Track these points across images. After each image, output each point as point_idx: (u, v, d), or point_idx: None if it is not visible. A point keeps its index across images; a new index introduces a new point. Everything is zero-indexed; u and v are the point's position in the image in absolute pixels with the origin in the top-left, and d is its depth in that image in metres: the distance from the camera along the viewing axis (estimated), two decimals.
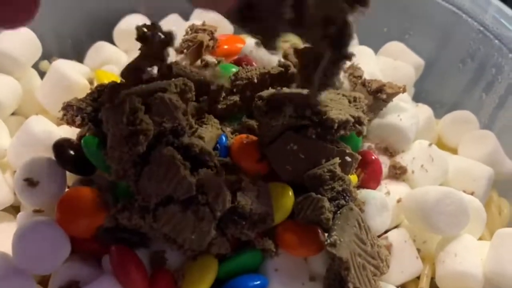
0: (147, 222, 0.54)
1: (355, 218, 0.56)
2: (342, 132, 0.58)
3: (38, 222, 0.57)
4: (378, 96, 0.65)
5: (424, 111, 0.77)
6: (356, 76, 0.65)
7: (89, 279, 0.56)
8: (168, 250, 0.57)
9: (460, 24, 0.82)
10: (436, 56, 0.85)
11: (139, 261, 0.55)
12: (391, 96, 0.67)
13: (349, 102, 0.61)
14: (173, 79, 0.58)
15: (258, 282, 0.56)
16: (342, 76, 0.64)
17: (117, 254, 0.55)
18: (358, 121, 0.59)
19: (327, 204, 0.56)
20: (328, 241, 0.54)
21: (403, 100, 0.72)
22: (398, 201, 0.66)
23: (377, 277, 0.57)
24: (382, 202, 0.62)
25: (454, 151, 0.77)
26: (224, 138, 0.61)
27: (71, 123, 0.63)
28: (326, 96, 0.59)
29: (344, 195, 0.57)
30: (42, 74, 0.76)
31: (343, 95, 0.62)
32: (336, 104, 0.60)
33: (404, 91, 0.69)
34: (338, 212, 0.56)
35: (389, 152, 0.69)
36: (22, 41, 0.72)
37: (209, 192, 0.54)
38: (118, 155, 0.54)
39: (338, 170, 0.58)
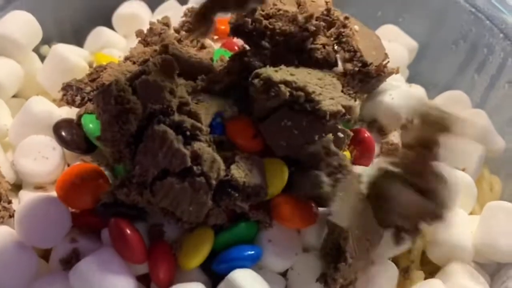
0: (145, 197, 0.56)
1: (354, 190, 0.58)
2: (332, 121, 0.59)
3: (40, 198, 0.59)
4: (367, 69, 0.66)
5: (417, 91, 0.78)
6: (348, 50, 0.66)
7: (89, 252, 0.57)
8: (166, 223, 0.59)
9: (452, 6, 0.84)
10: (429, 38, 0.87)
11: (137, 232, 0.57)
12: (384, 77, 0.69)
13: (343, 86, 0.63)
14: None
15: (253, 252, 0.58)
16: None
17: (116, 226, 0.56)
18: (349, 110, 0.60)
19: (325, 178, 0.57)
20: (329, 211, 0.56)
21: (396, 81, 0.73)
22: None
23: (371, 249, 0.59)
24: None
25: None
26: (219, 116, 0.62)
27: (70, 102, 0.65)
28: (322, 80, 0.61)
29: (341, 169, 0.59)
30: (42, 59, 0.78)
31: (338, 78, 0.63)
32: (330, 91, 0.61)
33: (397, 72, 0.70)
34: (338, 184, 0.58)
35: (382, 130, 0.70)
36: (23, 25, 0.74)
37: (202, 162, 0.55)
38: (111, 136, 0.56)
39: (332, 147, 0.59)
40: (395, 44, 0.82)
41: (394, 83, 0.72)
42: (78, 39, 0.85)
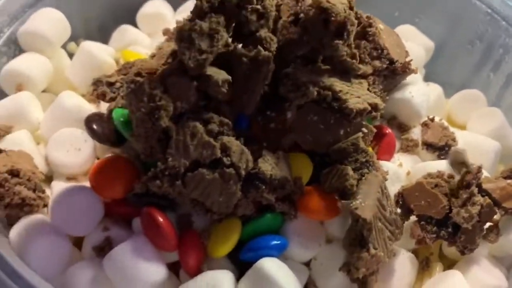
0: (177, 189, 0.58)
1: (378, 185, 0.60)
2: (358, 119, 0.61)
3: (74, 188, 0.62)
4: (394, 66, 0.68)
5: (434, 89, 0.80)
6: (375, 48, 0.68)
7: (121, 240, 0.60)
8: (194, 213, 0.61)
9: (468, 7, 0.86)
10: (445, 38, 0.89)
11: (168, 220, 0.59)
12: (407, 74, 0.71)
13: (369, 84, 0.65)
14: None
15: (279, 242, 0.60)
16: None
17: (148, 214, 0.58)
18: (375, 108, 0.62)
19: (351, 172, 0.60)
20: (354, 203, 0.58)
21: (414, 79, 0.75)
22: (408, 173, 0.69)
23: (392, 242, 0.61)
24: (395, 173, 0.67)
25: (462, 128, 0.81)
26: None
27: (101, 97, 0.67)
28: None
29: (368, 165, 0.61)
30: (69, 56, 0.80)
31: (364, 77, 0.65)
32: (356, 89, 0.63)
33: (416, 72, 0.73)
34: (363, 178, 0.60)
35: (401, 127, 0.72)
36: (53, 22, 0.77)
37: (231, 154, 0.57)
38: (144, 132, 0.58)
39: (361, 143, 0.61)
40: (412, 43, 0.83)
41: (413, 82, 0.74)
42: (103, 37, 0.87)
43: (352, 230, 0.59)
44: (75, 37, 0.83)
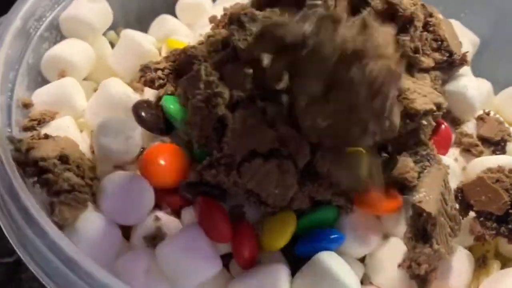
0: (232, 179, 0.56)
1: (442, 178, 0.58)
2: (423, 118, 0.60)
3: (124, 176, 0.60)
4: (453, 59, 0.66)
5: (484, 84, 0.78)
6: (435, 40, 0.66)
7: (172, 230, 0.58)
8: (246, 204, 0.59)
9: None
10: (491, 33, 0.87)
11: (224, 211, 0.57)
12: (459, 67, 0.69)
13: (431, 80, 0.63)
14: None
15: (336, 235, 0.58)
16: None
17: (203, 204, 0.57)
18: (439, 107, 0.61)
19: (412, 164, 0.58)
20: (417, 196, 0.56)
21: (465, 73, 0.73)
22: (463, 168, 0.67)
23: (451, 238, 0.59)
24: (452, 168, 0.64)
25: (511, 125, 0.78)
26: None
27: (149, 84, 0.66)
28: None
29: (428, 158, 0.59)
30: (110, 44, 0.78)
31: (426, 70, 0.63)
32: (421, 86, 0.61)
33: (468, 64, 0.71)
34: (426, 171, 0.58)
35: (455, 121, 0.70)
36: (96, 8, 0.75)
37: (290, 145, 0.55)
38: (200, 120, 0.56)
39: (422, 137, 0.60)
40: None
41: (464, 73, 0.72)
42: (142, 27, 0.85)
43: (414, 224, 0.57)
44: (114, 26, 0.81)
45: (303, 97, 0.54)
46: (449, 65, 0.67)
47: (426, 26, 0.66)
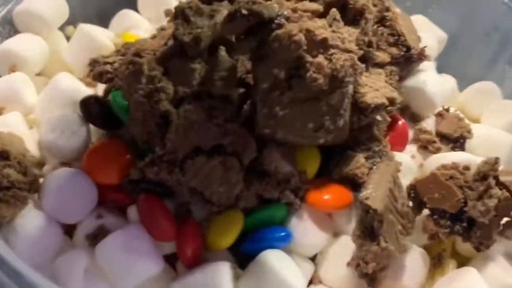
0: (175, 176, 0.55)
1: (391, 174, 0.56)
2: (375, 112, 0.58)
3: (67, 172, 0.58)
4: (410, 54, 0.65)
5: (448, 81, 0.77)
6: (392, 34, 0.65)
7: (115, 228, 0.56)
8: (193, 202, 0.58)
9: None
10: (459, 29, 0.85)
11: (167, 209, 0.55)
12: (418, 62, 0.67)
13: (386, 75, 0.62)
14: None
15: (283, 233, 0.56)
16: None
17: (145, 202, 0.55)
18: (392, 102, 0.59)
19: (362, 160, 0.56)
20: (364, 193, 0.54)
21: (427, 68, 0.72)
22: (420, 165, 0.66)
23: (403, 236, 0.57)
24: (407, 164, 0.63)
25: (476, 121, 0.77)
26: None
27: (97, 78, 0.64)
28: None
29: (380, 154, 0.57)
30: (67, 40, 0.77)
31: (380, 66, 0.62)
32: (374, 80, 0.60)
33: (429, 59, 0.69)
34: (374, 167, 0.56)
35: (414, 117, 0.69)
36: (50, 2, 0.73)
37: (235, 141, 0.54)
38: (142, 116, 0.55)
39: (376, 132, 0.58)
40: (424, 34, 0.80)
41: (427, 70, 0.71)
42: (103, 21, 0.83)
43: (362, 222, 0.55)
44: (73, 21, 0.80)
45: (267, 80, 0.53)
46: (406, 60, 0.65)
47: (382, 20, 0.64)
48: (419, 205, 0.60)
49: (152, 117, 0.54)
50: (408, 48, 0.65)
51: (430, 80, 0.69)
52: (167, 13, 0.72)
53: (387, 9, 0.65)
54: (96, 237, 0.56)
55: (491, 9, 0.82)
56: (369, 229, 0.55)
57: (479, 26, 0.84)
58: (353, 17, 0.58)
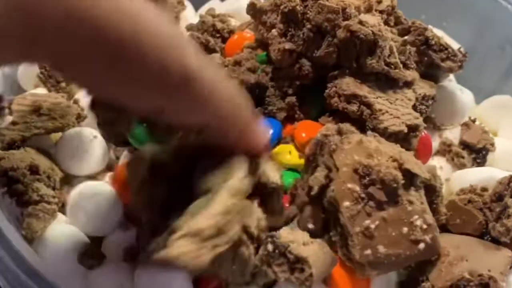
0: None
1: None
2: (393, 139, 0.58)
3: (92, 186, 0.58)
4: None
5: (467, 95, 0.77)
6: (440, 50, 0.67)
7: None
8: None
9: (499, 10, 0.83)
10: (474, 42, 0.86)
11: None
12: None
13: (416, 99, 0.62)
14: None
15: None
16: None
17: None
18: (414, 129, 0.59)
19: None
20: None
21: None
22: (447, 180, 0.66)
23: None
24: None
25: (493, 135, 0.77)
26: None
27: None
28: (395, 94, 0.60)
29: None
30: None
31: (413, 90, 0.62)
32: (398, 107, 0.60)
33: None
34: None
35: (438, 127, 0.69)
36: None
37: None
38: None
39: None
40: None
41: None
42: None
43: None
44: None
45: None
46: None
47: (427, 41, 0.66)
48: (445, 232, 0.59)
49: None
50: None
51: (465, 89, 0.70)
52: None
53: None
54: (132, 251, 0.56)
55: (505, 22, 0.83)
56: None
57: (494, 39, 0.85)
58: (368, 49, 0.59)
